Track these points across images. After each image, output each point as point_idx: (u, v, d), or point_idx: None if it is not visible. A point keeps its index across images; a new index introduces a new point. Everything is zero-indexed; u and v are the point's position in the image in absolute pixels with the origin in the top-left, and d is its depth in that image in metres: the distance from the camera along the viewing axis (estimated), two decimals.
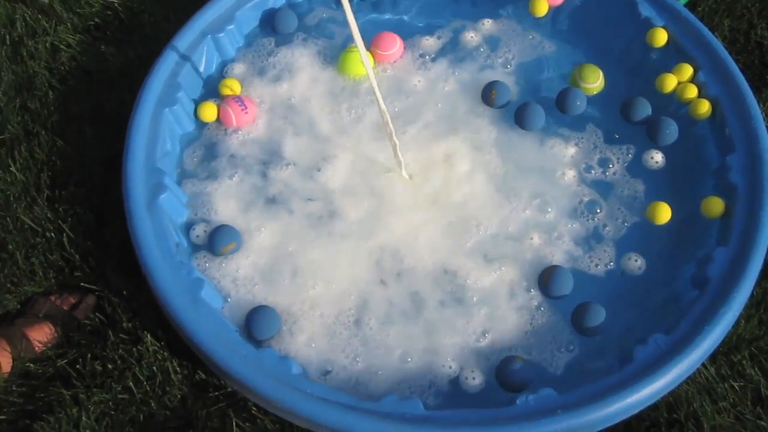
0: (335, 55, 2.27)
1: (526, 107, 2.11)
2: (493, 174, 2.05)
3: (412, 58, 2.28)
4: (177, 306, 1.69)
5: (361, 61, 1.98)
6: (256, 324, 1.77)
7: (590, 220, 1.97)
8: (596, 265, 1.90)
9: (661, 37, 2.16)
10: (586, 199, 2.00)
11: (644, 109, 2.11)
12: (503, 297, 1.86)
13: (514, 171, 2.06)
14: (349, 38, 2.24)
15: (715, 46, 2.10)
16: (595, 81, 2.19)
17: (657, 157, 2.04)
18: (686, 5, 2.35)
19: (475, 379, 1.72)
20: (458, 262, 1.90)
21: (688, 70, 2.11)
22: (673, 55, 2.16)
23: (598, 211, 1.98)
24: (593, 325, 1.77)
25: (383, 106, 1.84)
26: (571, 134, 2.12)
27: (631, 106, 2.11)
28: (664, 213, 1.95)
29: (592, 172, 2.05)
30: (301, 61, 2.26)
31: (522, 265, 1.90)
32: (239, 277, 1.88)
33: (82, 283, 1.92)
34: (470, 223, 1.96)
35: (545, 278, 1.85)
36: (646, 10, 2.20)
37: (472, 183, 2.04)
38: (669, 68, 2.14)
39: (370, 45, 2.26)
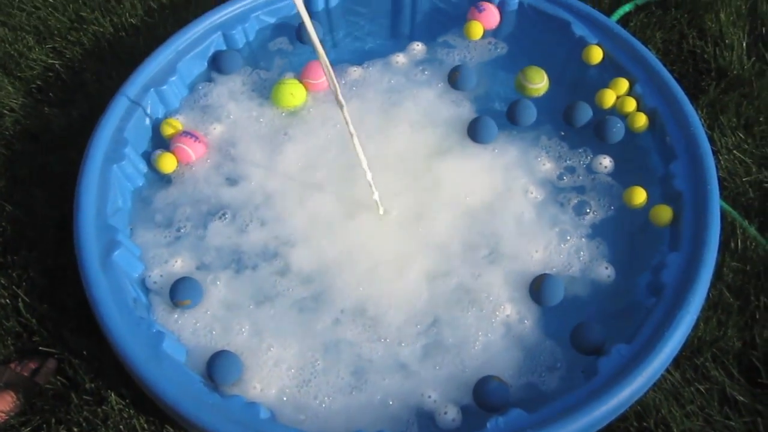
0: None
1: (477, 121, 2.15)
2: (456, 197, 2.08)
3: (342, 86, 2.32)
4: (139, 362, 1.67)
5: (291, 93, 2.01)
6: (217, 370, 1.75)
7: (556, 230, 2.00)
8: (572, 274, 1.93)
9: (596, 55, 2.22)
10: (551, 210, 2.04)
11: (586, 112, 2.15)
12: (480, 330, 1.85)
13: (475, 188, 2.09)
14: (284, 71, 2.32)
15: (650, 59, 2.16)
16: (540, 81, 2.24)
17: (605, 162, 2.09)
18: (618, 21, 2.42)
19: (447, 414, 1.71)
20: (433, 299, 1.90)
21: (624, 84, 2.16)
22: (610, 71, 2.22)
23: (562, 219, 2.02)
24: (592, 343, 1.78)
25: (357, 144, 1.83)
26: (524, 146, 2.16)
27: (573, 110, 2.16)
28: (639, 195, 1.99)
29: (549, 185, 2.08)
30: (243, 99, 2.29)
31: (503, 284, 1.92)
32: (199, 328, 1.86)
33: (41, 348, 1.88)
34: (446, 257, 1.97)
35: (536, 287, 1.87)
36: (579, 29, 2.26)
37: (437, 213, 2.05)
38: (607, 83, 2.19)
39: (300, 75, 2.29)
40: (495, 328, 1.84)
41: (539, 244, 1.97)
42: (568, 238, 1.97)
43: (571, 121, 2.16)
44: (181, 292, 1.86)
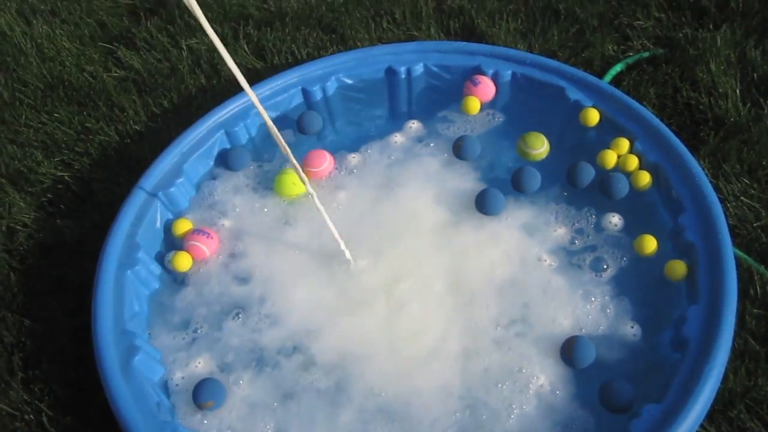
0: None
1: (484, 193, 2.17)
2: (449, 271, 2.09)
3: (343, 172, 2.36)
4: None
5: (293, 182, 2.11)
6: None
7: (579, 293, 1.99)
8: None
9: (593, 117, 2.25)
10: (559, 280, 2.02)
11: (588, 171, 2.17)
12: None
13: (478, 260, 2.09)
14: (285, 162, 2.34)
15: (646, 116, 2.19)
16: (540, 146, 2.26)
17: (615, 220, 2.09)
18: (611, 82, 2.46)
19: None
20: (465, 380, 1.88)
21: (625, 144, 2.19)
22: (608, 131, 2.24)
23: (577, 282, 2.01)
24: (621, 400, 1.76)
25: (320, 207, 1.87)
26: (533, 213, 2.17)
27: (576, 171, 2.18)
28: (650, 243, 2.00)
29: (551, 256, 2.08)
30: (248, 192, 2.34)
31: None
32: (224, 428, 1.84)
33: None
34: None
35: (568, 350, 1.85)
36: (574, 94, 2.30)
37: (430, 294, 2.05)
38: (607, 144, 2.21)
39: (301, 163, 2.32)
40: (528, 400, 1.81)
41: (564, 310, 1.95)
42: (592, 299, 1.96)
43: (574, 182, 2.18)
44: (203, 394, 1.85)
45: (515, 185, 2.20)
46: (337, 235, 1.88)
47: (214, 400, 1.85)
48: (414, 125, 2.44)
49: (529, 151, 2.27)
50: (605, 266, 2.02)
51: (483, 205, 2.16)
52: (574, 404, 1.80)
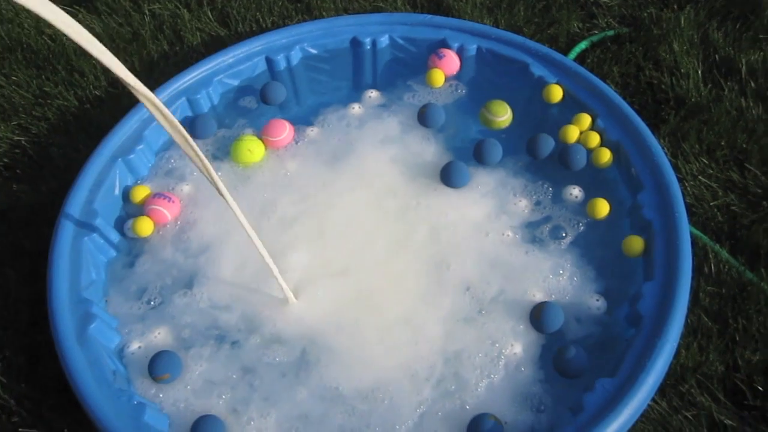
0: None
1: (450, 166, 2.17)
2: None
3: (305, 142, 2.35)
4: None
5: (249, 149, 2.17)
6: None
7: (548, 264, 2.01)
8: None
9: (556, 93, 2.26)
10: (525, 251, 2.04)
11: (548, 142, 2.19)
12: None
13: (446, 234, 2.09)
14: (246, 129, 2.36)
15: (609, 94, 2.21)
16: (504, 114, 2.28)
17: (575, 192, 2.12)
18: (575, 59, 2.46)
19: None
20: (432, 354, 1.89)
21: (587, 119, 2.20)
22: (571, 108, 2.26)
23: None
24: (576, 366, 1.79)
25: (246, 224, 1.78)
26: (496, 185, 2.18)
27: (536, 142, 2.20)
28: (602, 207, 2.04)
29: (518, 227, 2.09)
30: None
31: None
32: (179, 400, 1.83)
33: (20, 429, 1.85)
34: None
35: (537, 315, 1.87)
36: (538, 70, 2.31)
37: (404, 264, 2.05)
38: (570, 120, 2.22)
39: (261, 132, 2.31)
40: (496, 371, 1.82)
41: (528, 282, 1.97)
42: (560, 271, 1.98)
43: (535, 153, 2.20)
44: (159, 367, 1.83)
45: (477, 157, 2.21)
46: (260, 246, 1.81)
47: (170, 373, 1.84)
48: (373, 94, 2.44)
49: (492, 119, 2.28)
50: (564, 234, 2.05)
51: (448, 177, 2.16)
52: (536, 376, 1.81)
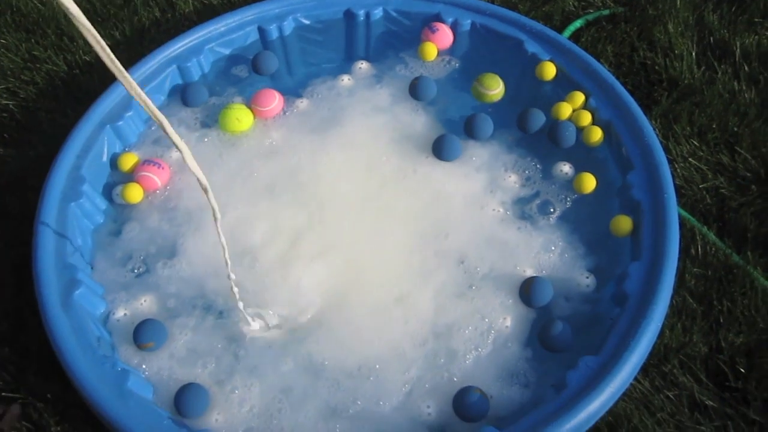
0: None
1: (442, 139, 2.16)
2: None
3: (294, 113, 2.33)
4: (104, 401, 1.64)
5: (237, 118, 2.18)
6: (185, 402, 1.72)
7: (540, 240, 2.01)
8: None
9: (549, 71, 2.25)
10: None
11: (539, 117, 2.20)
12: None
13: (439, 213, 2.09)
14: (235, 98, 2.35)
15: (602, 73, 2.20)
16: (496, 87, 2.27)
17: (565, 168, 2.12)
18: (569, 37, 2.45)
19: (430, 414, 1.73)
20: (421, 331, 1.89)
21: (580, 97, 2.19)
22: (564, 86, 2.25)
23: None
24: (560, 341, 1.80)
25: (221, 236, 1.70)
26: (487, 160, 2.18)
27: (526, 116, 2.20)
28: (589, 182, 2.05)
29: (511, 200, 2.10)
30: (196, 126, 2.32)
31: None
32: (164, 367, 1.83)
33: (3, 393, 1.84)
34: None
35: (526, 290, 1.88)
36: (532, 47, 2.29)
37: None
38: (562, 98, 2.22)
39: (250, 101, 2.30)
40: (484, 345, 1.83)
41: (518, 257, 1.97)
42: (552, 248, 1.98)
43: (525, 128, 2.20)
44: (143, 335, 1.83)
45: (468, 131, 2.20)
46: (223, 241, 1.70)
47: (154, 341, 1.83)
48: (364, 66, 2.42)
49: (484, 92, 2.27)
50: (552, 210, 2.06)
51: (440, 150, 2.16)
52: (524, 352, 1.82)
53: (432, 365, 1.81)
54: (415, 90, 2.30)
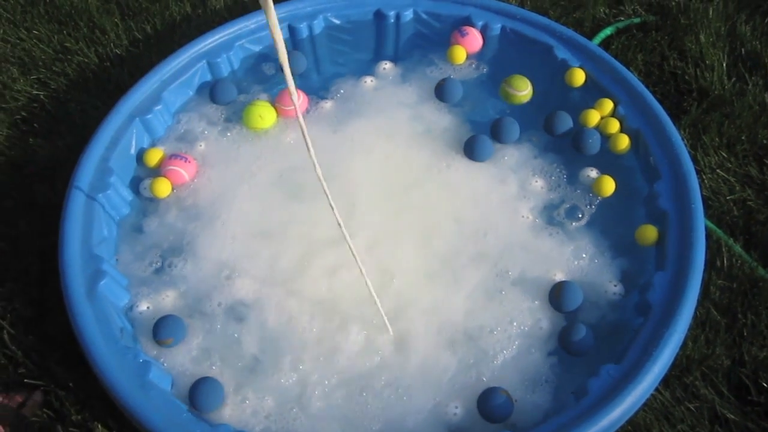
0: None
1: (474, 139, 2.17)
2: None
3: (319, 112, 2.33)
4: (125, 392, 1.66)
5: (260, 115, 2.19)
6: (199, 396, 1.73)
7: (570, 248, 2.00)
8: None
9: (579, 77, 2.24)
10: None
11: (566, 120, 2.19)
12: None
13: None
14: (260, 95, 2.37)
15: (632, 81, 2.18)
16: (524, 89, 2.27)
17: (592, 174, 2.11)
18: (600, 44, 2.44)
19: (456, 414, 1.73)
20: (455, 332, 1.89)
21: (608, 105, 2.18)
22: (593, 93, 2.24)
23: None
24: (581, 344, 1.80)
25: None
26: (515, 164, 2.18)
27: (553, 119, 2.20)
28: (609, 185, 2.04)
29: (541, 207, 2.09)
30: (220, 122, 2.33)
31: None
32: (184, 362, 1.84)
33: (26, 380, 1.86)
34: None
35: (556, 294, 1.88)
36: (562, 53, 2.29)
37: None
38: (591, 105, 2.21)
39: (274, 100, 2.31)
40: (511, 346, 1.84)
41: (546, 263, 1.97)
42: (583, 255, 1.98)
43: (551, 130, 2.20)
44: (164, 330, 1.84)
45: (494, 134, 2.20)
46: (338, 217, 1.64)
47: (173, 337, 1.84)
48: (390, 67, 2.43)
49: (513, 93, 2.27)
50: (580, 215, 2.05)
51: (472, 150, 2.16)
52: (548, 358, 1.82)
53: (461, 366, 1.82)
54: (441, 91, 2.30)
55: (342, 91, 2.38)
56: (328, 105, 2.34)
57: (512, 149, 2.20)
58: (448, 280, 1.96)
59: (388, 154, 2.20)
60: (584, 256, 1.97)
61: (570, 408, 1.63)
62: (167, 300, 1.94)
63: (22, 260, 2.08)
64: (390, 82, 2.40)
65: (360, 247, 1.99)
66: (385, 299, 1.86)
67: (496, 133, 2.19)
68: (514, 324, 1.86)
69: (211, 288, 1.97)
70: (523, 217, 2.06)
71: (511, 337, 1.84)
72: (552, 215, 2.06)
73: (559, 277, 1.93)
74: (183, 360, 1.84)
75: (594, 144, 2.13)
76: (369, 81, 2.38)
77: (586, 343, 1.79)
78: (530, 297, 1.91)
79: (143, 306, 1.92)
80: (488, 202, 2.09)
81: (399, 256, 2.01)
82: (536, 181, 2.12)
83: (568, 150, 2.18)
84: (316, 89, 2.40)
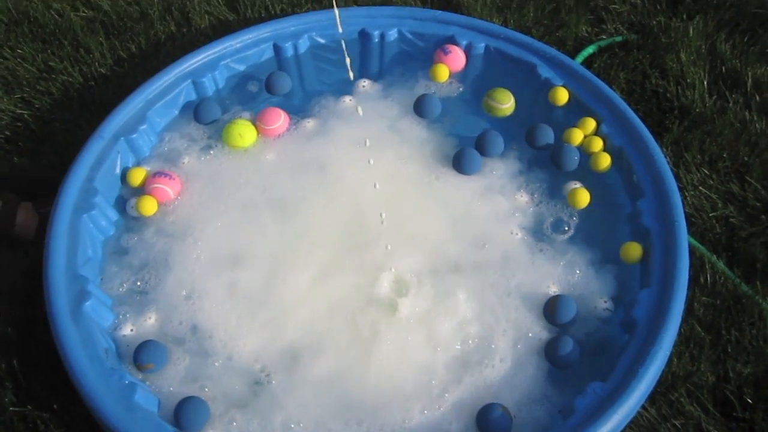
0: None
1: (462, 152, 2.19)
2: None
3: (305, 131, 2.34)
4: (111, 414, 1.65)
5: (239, 133, 2.20)
6: (184, 416, 1.72)
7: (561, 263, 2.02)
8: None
9: (562, 96, 2.26)
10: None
11: (547, 133, 2.21)
12: None
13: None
14: (242, 114, 2.36)
15: (614, 99, 2.21)
16: (507, 102, 2.30)
17: (577, 186, 2.13)
18: (582, 63, 2.47)
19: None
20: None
21: (591, 124, 2.20)
22: (576, 111, 2.26)
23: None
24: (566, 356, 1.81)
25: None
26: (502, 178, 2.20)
27: (534, 132, 2.22)
28: (583, 197, 2.07)
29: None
30: (203, 139, 2.33)
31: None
32: (173, 382, 1.84)
33: (11, 408, 1.84)
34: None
35: (551, 308, 1.89)
36: (545, 72, 2.31)
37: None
38: (574, 123, 2.23)
39: (255, 119, 2.31)
40: (496, 365, 1.84)
41: (543, 277, 1.99)
42: (577, 270, 1.99)
43: (532, 143, 2.23)
44: (144, 356, 1.82)
45: (479, 148, 2.22)
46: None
47: (153, 363, 1.83)
48: (371, 85, 2.44)
49: (496, 106, 2.29)
50: (566, 228, 2.07)
51: (461, 164, 2.18)
52: (536, 375, 1.83)
53: (458, 381, 1.82)
54: (419, 107, 2.32)
55: (325, 109, 2.39)
56: (310, 124, 2.34)
57: (498, 162, 2.21)
58: (441, 291, 1.97)
59: (377, 167, 2.20)
60: (578, 271, 1.98)
61: (558, 427, 1.63)
62: (150, 321, 1.93)
63: (5, 280, 2.06)
64: (373, 100, 2.40)
65: (351, 256, 2.05)
66: (376, 310, 1.90)
67: (481, 146, 2.21)
68: (510, 338, 1.87)
69: (194, 309, 1.96)
70: (512, 234, 2.07)
71: (507, 352, 1.85)
72: (542, 229, 2.08)
73: (554, 290, 1.95)
74: (170, 381, 1.83)
75: (571, 160, 2.16)
76: (355, 98, 2.39)
77: (570, 356, 1.80)
78: (525, 311, 1.92)
79: (127, 328, 1.91)
80: (479, 215, 2.11)
81: (390, 268, 2.02)
82: (521, 196, 2.14)
83: (550, 164, 2.21)
84: (299, 108, 2.40)
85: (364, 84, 2.44)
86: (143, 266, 2.05)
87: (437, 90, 2.41)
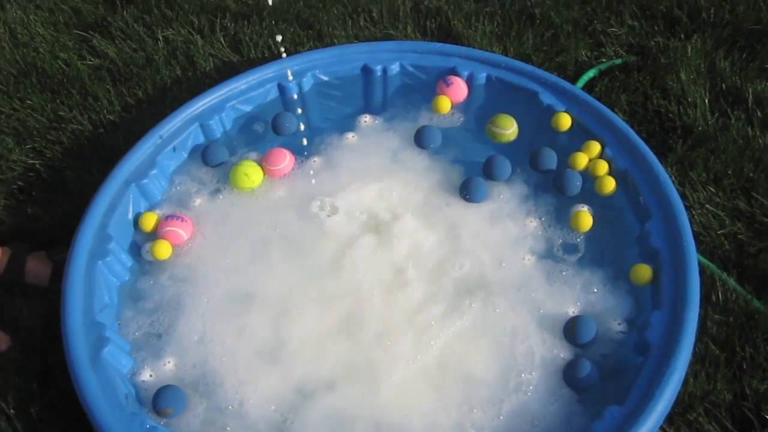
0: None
1: (469, 180, 2.22)
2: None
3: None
4: None
5: (245, 173, 2.22)
6: None
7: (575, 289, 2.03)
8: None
9: (565, 122, 2.29)
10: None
11: (551, 157, 2.24)
12: None
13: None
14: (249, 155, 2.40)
15: (616, 122, 2.23)
16: (510, 127, 2.32)
17: (584, 210, 2.14)
18: (583, 87, 2.49)
19: None
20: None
21: (596, 147, 2.22)
22: (579, 136, 2.28)
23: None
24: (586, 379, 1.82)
25: None
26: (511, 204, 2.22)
27: (538, 155, 2.25)
28: (586, 221, 2.10)
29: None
30: (212, 182, 2.36)
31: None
32: (194, 426, 1.84)
33: None
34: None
35: (571, 329, 1.90)
36: (547, 98, 2.33)
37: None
38: (578, 148, 2.25)
39: (261, 160, 2.35)
40: (516, 391, 1.85)
41: (565, 302, 2.00)
42: (594, 290, 2.00)
43: (537, 166, 2.25)
44: (163, 401, 1.83)
45: (486, 173, 2.25)
46: None
47: (172, 407, 1.84)
48: (375, 120, 2.47)
49: (499, 132, 2.32)
50: (577, 251, 2.09)
51: (468, 192, 2.20)
52: (552, 399, 1.83)
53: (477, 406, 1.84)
54: (419, 138, 2.35)
55: (330, 147, 2.41)
56: (316, 162, 2.37)
57: (504, 187, 2.25)
58: (455, 318, 1.99)
59: (383, 199, 2.25)
60: (591, 293, 2.00)
61: None
62: (168, 366, 1.95)
63: (23, 332, 2.09)
64: (377, 134, 2.43)
65: (362, 284, 2.08)
66: (391, 336, 1.94)
67: (489, 171, 2.24)
68: (533, 361, 1.89)
69: (208, 353, 1.97)
70: (524, 259, 2.08)
71: (531, 377, 1.87)
72: (553, 252, 2.10)
73: (572, 311, 1.96)
74: (191, 425, 1.84)
75: (573, 186, 2.18)
76: (359, 134, 2.42)
77: (591, 379, 1.81)
78: (544, 333, 1.94)
79: (146, 374, 1.92)
80: (490, 241, 2.13)
81: (404, 295, 2.04)
82: (531, 221, 2.16)
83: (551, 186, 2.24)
84: (305, 147, 2.42)
85: (366, 119, 2.47)
86: (159, 309, 2.06)
87: (439, 121, 2.43)
